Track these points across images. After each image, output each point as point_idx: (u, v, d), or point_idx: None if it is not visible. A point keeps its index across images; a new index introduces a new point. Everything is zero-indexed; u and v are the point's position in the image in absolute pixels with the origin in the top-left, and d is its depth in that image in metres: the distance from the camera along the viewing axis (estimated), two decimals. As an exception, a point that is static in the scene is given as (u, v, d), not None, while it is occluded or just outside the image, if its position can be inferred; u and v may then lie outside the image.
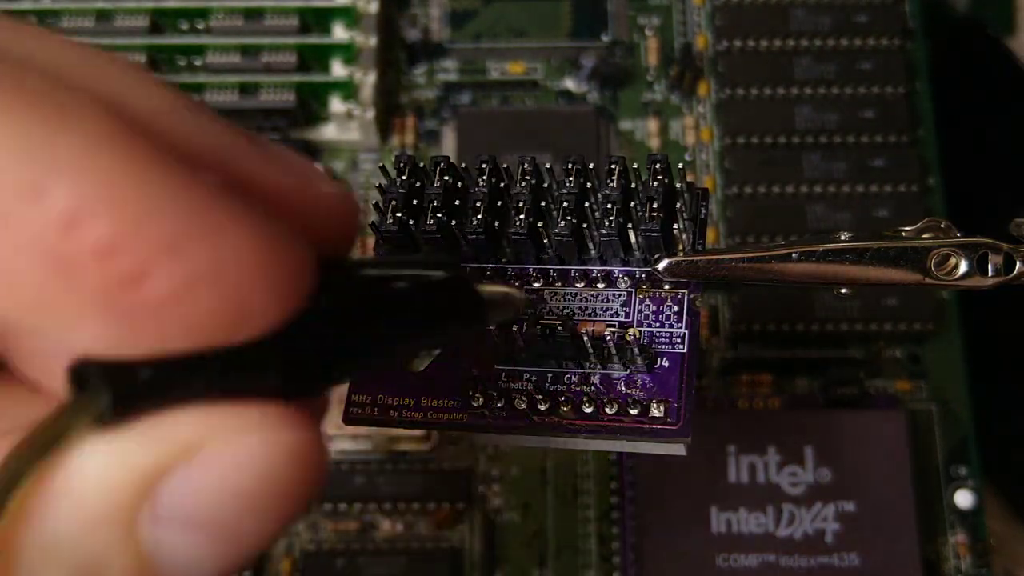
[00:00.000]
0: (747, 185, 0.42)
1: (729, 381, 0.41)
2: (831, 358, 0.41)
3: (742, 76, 0.43)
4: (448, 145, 0.44)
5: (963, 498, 0.39)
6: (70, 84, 0.14)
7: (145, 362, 0.14)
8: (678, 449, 0.23)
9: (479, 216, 0.24)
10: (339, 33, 0.44)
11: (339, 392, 0.23)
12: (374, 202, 0.25)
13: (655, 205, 0.23)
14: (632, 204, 0.24)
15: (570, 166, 0.24)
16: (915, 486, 0.38)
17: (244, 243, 0.14)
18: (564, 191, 0.24)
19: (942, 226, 0.23)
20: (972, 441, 0.40)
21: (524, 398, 0.23)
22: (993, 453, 0.40)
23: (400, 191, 0.24)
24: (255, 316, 0.15)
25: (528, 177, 0.24)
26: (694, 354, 0.23)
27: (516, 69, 0.45)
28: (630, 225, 0.23)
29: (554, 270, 0.25)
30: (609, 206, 0.23)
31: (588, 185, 0.24)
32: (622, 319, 0.24)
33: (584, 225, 0.24)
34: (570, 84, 0.45)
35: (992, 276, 0.22)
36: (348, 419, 0.24)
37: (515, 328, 0.23)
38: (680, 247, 0.24)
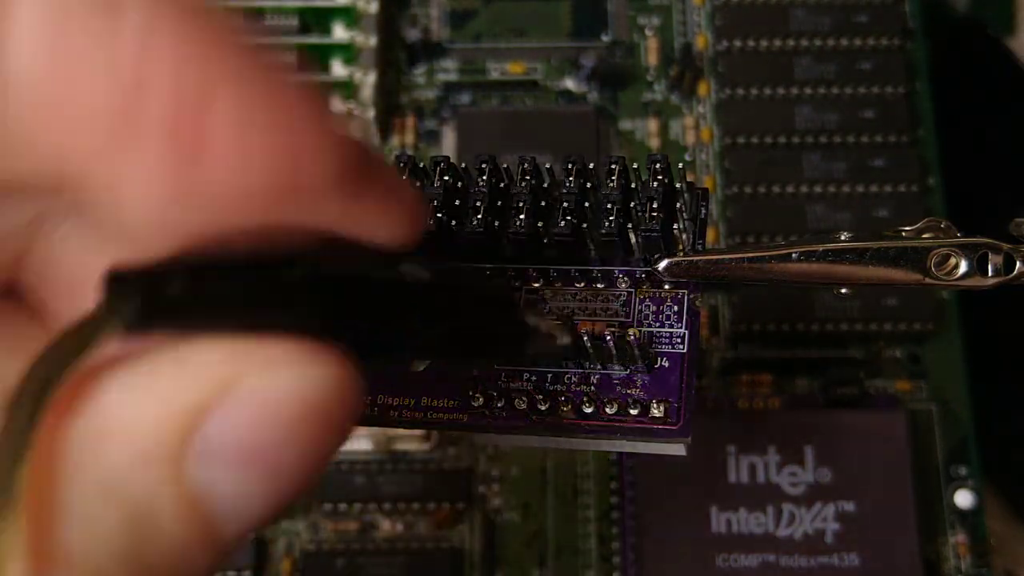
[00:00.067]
0: (747, 185, 0.42)
1: (729, 381, 0.41)
2: (831, 358, 0.41)
3: (742, 76, 0.43)
4: (448, 145, 0.44)
5: (963, 498, 0.39)
6: None
7: (177, 275, 0.14)
8: (678, 449, 0.23)
9: (479, 216, 0.24)
10: (339, 33, 0.44)
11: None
12: None
13: (655, 205, 0.23)
14: (632, 204, 0.24)
15: (570, 166, 0.24)
16: (915, 486, 0.38)
17: (307, 127, 0.14)
18: (564, 191, 0.24)
19: (942, 226, 0.23)
20: (972, 441, 0.40)
21: (524, 398, 0.23)
22: (993, 453, 0.40)
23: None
24: (306, 194, 0.15)
25: (528, 177, 0.24)
26: (694, 354, 0.23)
27: (516, 69, 0.45)
28: (630, 225, 0.23)
29: (554, 270, 0.25)
30: (609, 206, 0.23)
31: (588, 185, 0.24)
32: (622, 319, 0.24)
33: (584, 225, 0.24)
34: (570, 84, 0.45)
35: (992, 276, 0.22)
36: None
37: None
38: (680, 247, 0.24)
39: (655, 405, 0.23)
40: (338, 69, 0.43)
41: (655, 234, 0.23)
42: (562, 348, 0.22)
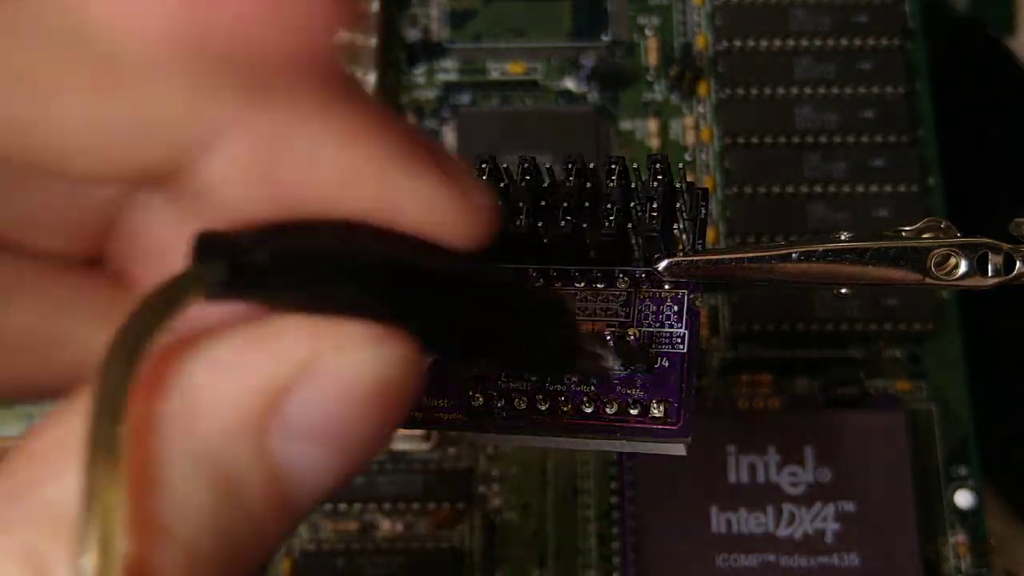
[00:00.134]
0: (747, 185, 0.42)
1: (729, 381, 0.41)
2: (831, 358, 0.41)
3: (742, 76, 0.43)
4: (448, 145, 0.44)
5: (963, 498, 0.39)
6: None
7: (264, 245, 0.15)
8: (678, 449, 0.23)
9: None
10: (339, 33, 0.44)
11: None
12: None
13: (655, 205, 0.23)
14: (632, 204, 0.24)
15: (570, 166, 0.24)
16: (915, 486, 0.38)
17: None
18: (564, 191, 0.24)
19: (942, 226, 0.23)
20: (972, 441, 0.40)
21: (524, 398, 0.23)
22: (993, 453, 0.40)
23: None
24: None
25: (528, 177, 0.24)
26: (694, 354, 0.23)
27: (516, 69, 0.45)
28: (630, 225, 0.23)
29: (554, 270, 0.25)
30: (609, 206, 0.23)
31: (588, 185, 0.24)
32: (622, 319, 0.24)
33: (584, 225, 0.24)
34: (570, 84, 0.45)
35: (992, 276, 0.22)
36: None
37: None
38: (680, 247, 0.24)
39: (655, 405, 0.23)
40: (338, 69, 0.43)
41: (655, 234, 0.23)
42: (606, 369, 0.23)
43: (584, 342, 0.22)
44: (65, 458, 0.14)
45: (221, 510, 0.15)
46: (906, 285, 0.23)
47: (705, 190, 0.24)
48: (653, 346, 0.23)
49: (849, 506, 0.38)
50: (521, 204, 0.24)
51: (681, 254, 0.23)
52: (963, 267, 0.22)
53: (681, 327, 0.23)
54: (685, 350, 0.23)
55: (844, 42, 0.44)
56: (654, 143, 0.44)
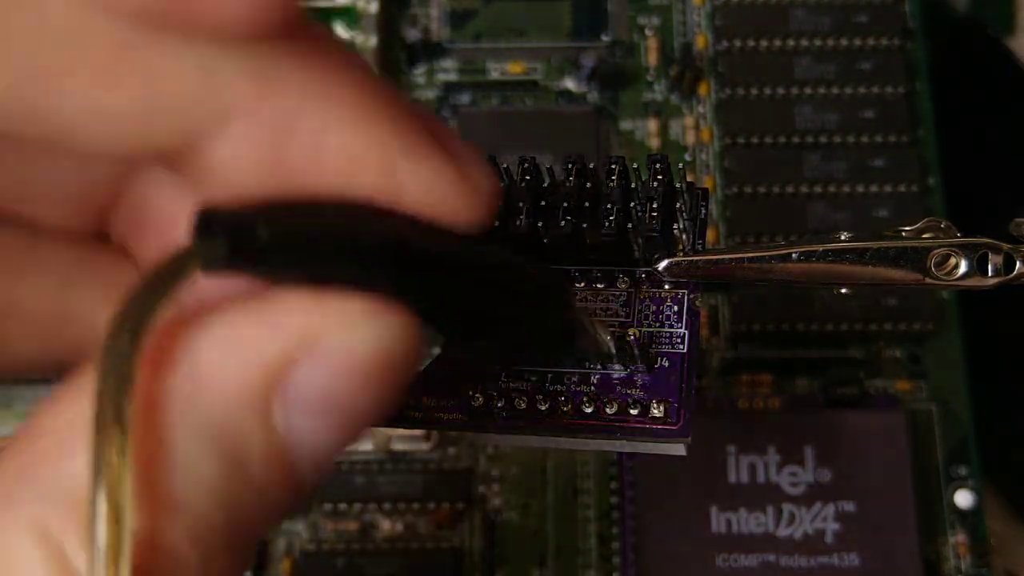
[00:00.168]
0: (747, 185, 0.42)
1: (729, 381, 0.41)
2: (831, 358, 0.41)
3: (742, 76, 0.43)
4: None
5: (963, 498, 0.39)
6: None
7: (266, 221, 0.15)
8: (678, 449, 0.23)
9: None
10: (339, 33, 0.44)
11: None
12: None
13: (655, 205, 0.23)
14: (632, 204, 0.24)
15: (570, 166, 0.24)
16: (915, 486, 0.38)
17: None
18: (564, 191, 0.24)
19: (942, 226, 0.23)
20: (972, 441, 0.40)
21: (524, 398, 0.23)
22: (993, 453, 0.40)
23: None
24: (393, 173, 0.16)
25: (528, 177, 0.24)
26: (694, 354, 0.23)
27: (516, 69, 0.45)
28: (630, 225, 0.23)
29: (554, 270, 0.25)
30: (609, 206, 0.23)
31: (588, 185, 0.24)
32: (622, 319, 0.24)
33: (584, 225, 0.24)
34: (570, 84, 0.45)
35: (992, 276, 0.22)
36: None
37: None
38: (680, 247, 0.24)
39: (655, 405, 0.23)
40: (338, 69, 0.43)
41: (655, 234, 0.23)
42: (606, 351, 0.23)
43: (582, 322, 0.22)
44: (75, 435, 0.14)
45: (228, 483, 0.15)
46: (906, 285, 0.23)
47: (705, 190, 0.24)
48: (653, 346, 0.23)
49: (849, 506, 0.38)
50: (521, 204, 0.24)
51: (681, 254, 0.23)
52: (963, 267, 0.22)
53: (681, 327, 0.23)
54: (685, 350, 0.23)
55: (844, 42, 0.44)
56: (654, 143, 0.44)
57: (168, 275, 0.14)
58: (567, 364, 0.23)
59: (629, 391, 0.23)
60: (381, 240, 0.16)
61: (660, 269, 0.23)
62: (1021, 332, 0.43)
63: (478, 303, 0.19)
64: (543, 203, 0.24)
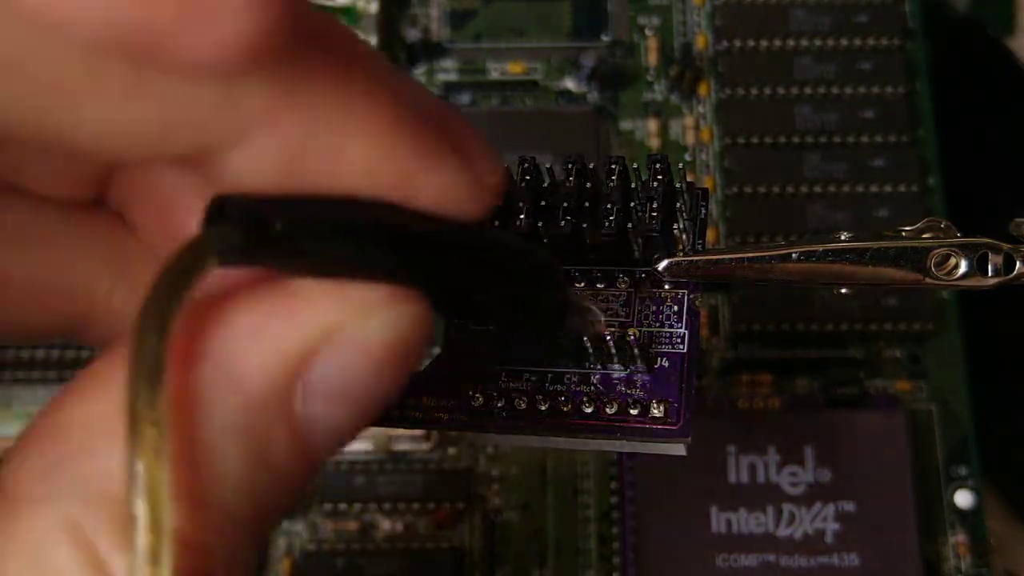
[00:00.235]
0: (747, 185, 0.42)
1: (729, 381, 0.41)
2: (831, 358, 0.41)
3: (742, 76, 0.43)
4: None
5: (963, 498, 0.39)
6: None
7: (281, 212, 0.15)
8: (678, 449, 0.23)
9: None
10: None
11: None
12: None
13: (655, 205, 0.23)
14: (632, 204, 0.24)
15: (570, 166, 0.24)
16: (915, 486, 0.38)
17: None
18: (564, 191, 0.24)
19: (942, 226, 0.23)
20: (972, 441, 0.40)
21: (524, 398, 0.23)
22: (993, 453, 0.40)
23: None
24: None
25: (528, 177, 0.24)
26: (694, 354, 0.23)
27: (516, 69, 0.45)
28: (630, 225, 0.23)
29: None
30: (609, 206, 0.23)
31: (588, 185, 0.24)
32: (622, 319, 0.24)
33: (584, 225, 0.24)
34: (570, 84, 0.45)
35: (992, 276, 0.22)
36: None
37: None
38: (680, 247, 0.24)
39: (655, 405, 0.23)
40: (338, 69, 0.43)
41: (655, 234, 0.23)
42: (594, 330, 0.23)
43: (572, 300, 0.22)
44: (104, 430, 0.15)
45: (254, 475, 0.16)
46: (906, 285, 0.23)
47: (705, 190, 0.24)
48: (653, 346, 0.23)
49: (849, 506, 0.38)
50: (521, 204, 0.24)
51: (681, 254, 0.23)
52: (963, 267, 0.22)
53: (681, 327, 0.23)
54: (685, 350, 0.23)
55: (844, 42, 0.44)
56: (654, 143, 0.44)
57: (188, 266, 0.15)
58: (562, 347, 0.23)
59: (629, 391, 0.23)
60: (387, 228, 0.16)
61: (660, 269, 0.23)
62: (1021, 332, 0.43)
63: (474, 284, 0.19)
64: (543, 203, 0.24)
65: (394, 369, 0.17)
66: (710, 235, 0.42)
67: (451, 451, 0.40)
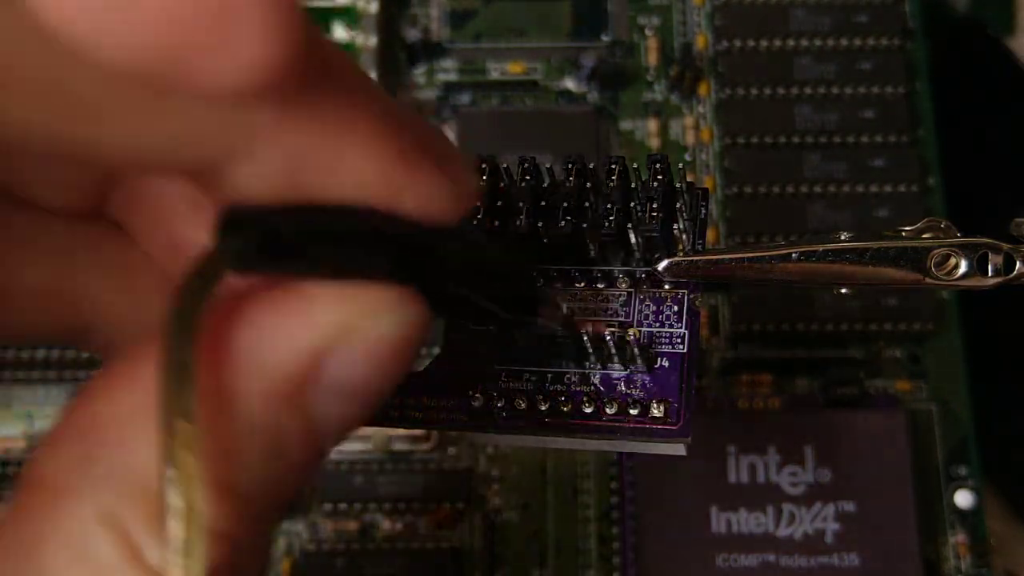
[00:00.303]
0: (747, 185, 0.42)
1: (729, 381, 0.41)
2: (831, 358, 0.41)
3: (742, 76, 0.43)
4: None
5: (963, 498, 0.39)
6: None
7: (289, 221, 0.16)
8: (678, 449, 0.23)
9: (478, 217, 0.24)
10: (339, 33, 0.44)
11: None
12: None
13: (655, 205, 0.23)
14: (632, 204, 0.24)
15: (570, 166, 0.24)
16: (915, 486, 0.38)
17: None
18: (564, 191, 0.24)
19: (942, 226, 0.23)
20: (972, 441, 0.40)
21: (524, 398, 0.23)
22: (993, 453, 0.40)
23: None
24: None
25: (528, 177, 0.24)
26: (694, 354, 0.23)
27: (516, 69, 0.45)
28: (630, 225, 0.23)
29: (554, 270, 0.25)
30: (609, 206, 0.23)
31: (588, 185, 0.24)
32: (622, 319, 0.24)
33: (584, 225, 0.24)
34: (570, 84, 0.45)
35: (992, 276, 0.22)
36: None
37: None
38: (680, 247, 0.24)
39: (655, 405, 0.23)
40: (338, 69, 0.43)
41: (655, 234, 0.23)
42: (563, 320, 0.23)
43: (542, 295, 0.23)
44: (136, 424, 0.15)
45: (270, 468, 0.17)
46: (906, 285, 0.23)
47: (705, 190, 0.24)
48: (653, 346, 0.23)
49: (849, 506, 0.38)
50: (521, 204, 0.24)
51: (681, 254, 0.23)
52: (963, 267, 0.22)
53: (681, 327, 0.23)
54: (685, 350, 0.23)
55: (844, 42, 0.44)
56: (654, 143, 0.44)
57: (206, 275, 0.15)
58: (562, 348, 0.23)
59: (629, 391, 0.23)
60: (383, 232, 0.17)
61: (660, 269, 0.23)
62: (1021, 332, 0.43)
63: (457, 279, 0.20)
64: (543, 203, 0.24)
65: (397, 366, 0.18)
66: (710, 235, 0.42)
67: (451, 451, 0.40)
